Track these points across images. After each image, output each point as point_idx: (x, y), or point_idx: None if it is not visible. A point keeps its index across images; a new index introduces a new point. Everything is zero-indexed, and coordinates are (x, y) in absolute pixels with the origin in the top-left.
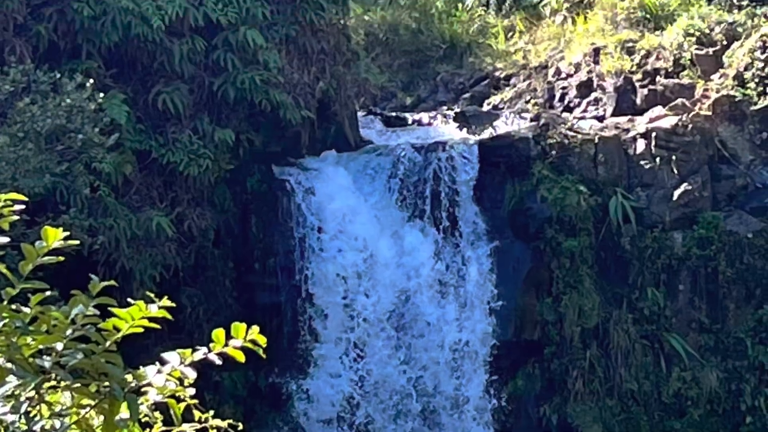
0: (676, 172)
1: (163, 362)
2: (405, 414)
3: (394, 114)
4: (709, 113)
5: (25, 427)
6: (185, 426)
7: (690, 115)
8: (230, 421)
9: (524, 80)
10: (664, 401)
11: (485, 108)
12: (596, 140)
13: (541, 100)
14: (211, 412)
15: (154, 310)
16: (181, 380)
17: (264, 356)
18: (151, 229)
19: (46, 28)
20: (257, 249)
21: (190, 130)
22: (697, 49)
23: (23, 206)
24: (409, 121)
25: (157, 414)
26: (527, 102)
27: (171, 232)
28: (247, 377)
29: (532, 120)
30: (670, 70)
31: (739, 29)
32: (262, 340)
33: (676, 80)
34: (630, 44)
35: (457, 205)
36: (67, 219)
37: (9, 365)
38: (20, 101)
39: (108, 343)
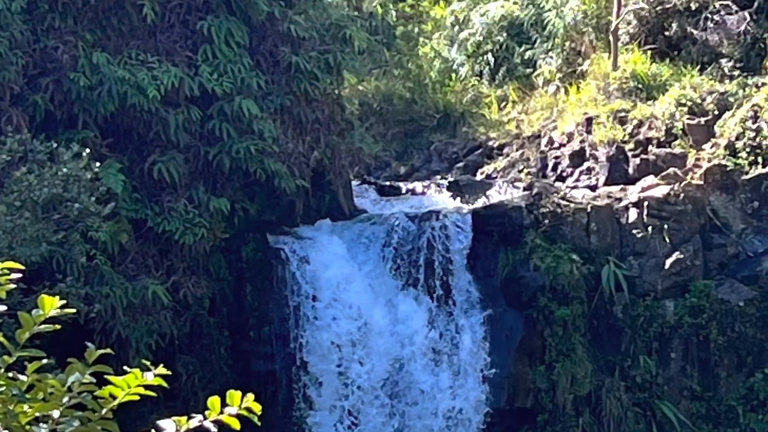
0: (668, 240)
1: (158, 430)
2: None
3: (388, 183)
4: (701, 182)
5: None
6: None
7: (682, 185)
8: None
9: (517, 149)
10: None
11: (479, 177)
12: (589, 209)
13: (534, 170)
14: None
15: (149, 378)
16: None
17: (259, 424)
18: (147, 298)
19: (42, 97)
20: (252, 317)
21: (185, 199)
22: (688, 118)
23: (20, 275)
24: (403, 190)
25: None
26: (520, 171)
27: (167, 300)
28: None
29: (525, 189)
30: (662, 139)
31: (731, 99)
32: (257, 408)
33: (668, 150)
34: (622, 114)
35: (451, 273)
36: (63, 287)
37: None
38: (17, 170)
39: (104, 411)
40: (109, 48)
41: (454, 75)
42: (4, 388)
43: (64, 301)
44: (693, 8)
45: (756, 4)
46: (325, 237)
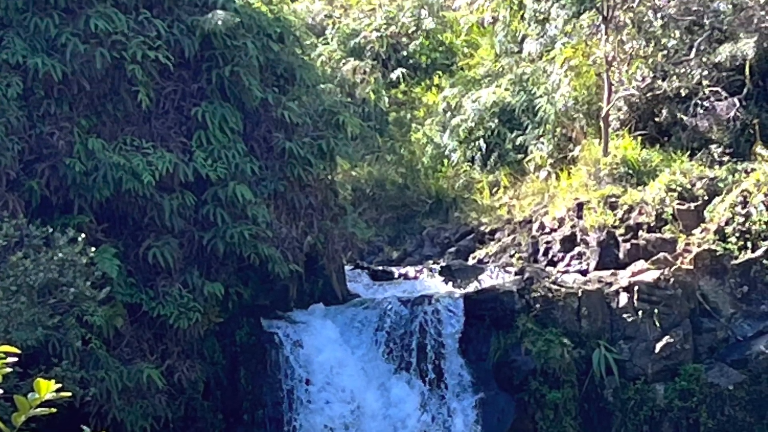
0: (658, 325)
1: None
2: None
3: (380, 268)
4: (691, 267)
5: None
6: None
7: (672, 269)
8: None
9: (509, 235)
10: None
11: (470, 262)
12: (580, 294)
13: (526, 254)
14: None
15: None
16: None
17: None
18: (142, 381)
19: (38, 183)
20: (246, 400)
21: (180, 284)
22: (678, 204)
23: (16, 358)
24: (396, 275)
25: None
26: (512, 256)
27: (161, 384)
28: None
29: (516, 274)
30: (652, 224)
31: (720, 184)
32: None
33: (658, 235)
34: (613, 199)
35: (443, 357)
36: (59, 371)
37: None
38: (13, 255)
39: None
40: (105, 134)
41: (446, 161)
42: None
43: (59, 385)
44: (683, 94)
45: (745, 90)
46: (319, 321)
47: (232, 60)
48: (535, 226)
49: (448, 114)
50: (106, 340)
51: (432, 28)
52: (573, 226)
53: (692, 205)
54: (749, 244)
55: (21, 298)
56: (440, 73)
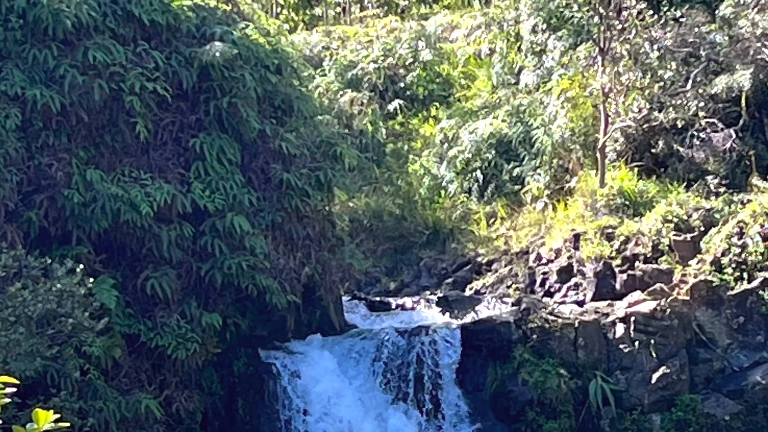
0: (654, 355)
1: None
2: None
3: (378, 299)
4: (687, 298)
5: None
6: None
7: (668, 300)
8: None
9: (506, 265)
10: None
11: (467, 293)
12: (576, 324)
13: (523, 285)
14: None
15: None
16: None
17: None
18: (140, 412)
19: (36, 214)
20: (244, 431)
21: (178, 315)
22: (675, 235)
23: (15, 389)
24: (393, 306)
25: None
26: (509, 287)
27: (159, 414)
28: None
29: (513, 304)
30: (648, 255)
31: (717, 216)
32: None
33: (655, 265)
34: (609, 230)
35: (440, 388)
36: (57, 402)
37: None
38: (12, 286)
39: None
40: (103, 165)
41: (443, 192)
42: None
43: (58, 415)
44: (679, 126)
45: (741, 121)
46: (316, 352)
47: (230, 91)
48: (532, 257)
49: (445, 145)
50: (105, 370)
51: (429, 59)
52: (570, 257)
53: (688, 236)
54: (745, 275)
55: (20, 328)
56: (437, 104)
